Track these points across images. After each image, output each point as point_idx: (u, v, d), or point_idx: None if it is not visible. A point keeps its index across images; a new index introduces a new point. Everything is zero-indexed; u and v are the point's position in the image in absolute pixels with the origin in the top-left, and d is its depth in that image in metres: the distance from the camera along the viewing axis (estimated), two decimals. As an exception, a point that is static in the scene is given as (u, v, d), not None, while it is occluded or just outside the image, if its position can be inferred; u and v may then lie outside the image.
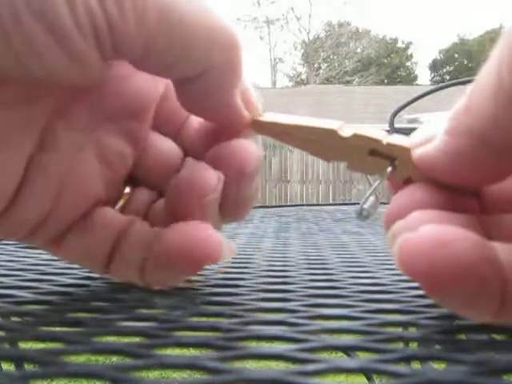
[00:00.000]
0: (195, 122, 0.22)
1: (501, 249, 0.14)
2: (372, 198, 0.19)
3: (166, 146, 0.22)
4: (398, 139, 0.18)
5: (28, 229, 0.19)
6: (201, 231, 0.18)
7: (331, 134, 0.19)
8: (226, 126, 0.20)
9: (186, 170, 0.19)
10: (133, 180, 0.22)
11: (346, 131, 0.19)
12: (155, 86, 0.21)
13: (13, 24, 0.14)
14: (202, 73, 0.17)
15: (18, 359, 0.15)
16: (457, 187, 0.17)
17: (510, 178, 0.17)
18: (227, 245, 0.19)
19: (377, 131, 0.19)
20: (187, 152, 0.22)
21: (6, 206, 0.18)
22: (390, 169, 0.18)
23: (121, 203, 0.21)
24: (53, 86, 0.18)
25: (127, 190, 0.22)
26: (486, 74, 0.14)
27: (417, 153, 0.17)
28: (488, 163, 0.15)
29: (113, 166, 0.20)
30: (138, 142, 0.21)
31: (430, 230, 0.14)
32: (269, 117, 0.20)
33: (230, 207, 0.20)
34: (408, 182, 0.18)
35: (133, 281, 0.20)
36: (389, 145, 0.18)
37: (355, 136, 0.19)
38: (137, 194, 0.22)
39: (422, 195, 0.17)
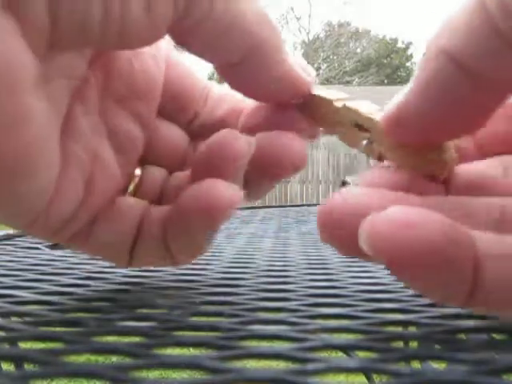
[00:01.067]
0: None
1: (479, 236, 0.13)
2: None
3: (171, 129, 0.21)
4: (379, 113, 0.18)
5: (61, 222, 0.18)
6: (214, 182, 0.18)
7: (328, 103, 0.19)
8: (292, 92, 0.19)
9: (217, 136, 0.18)
10: (141, 162, 0.21)
11: (340, 102, 0.19)
12: (158, 66, 0.20)
13: None
14: (249, 51, 0.17)
15: (18, 359, 0.15)
16: (430, 147, 0.16)
17: (477, 162, 0.17)
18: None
19: (367, 104, 0.19)
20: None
21: (48, 202, 0.17)
22: (365, 142, 0.18)
23: (132, 186, 0.21)
24: (72, 68, 0.17)
25: (137, 171, 0.21)
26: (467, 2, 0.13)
27: (383, 117, 0.16)
28: (463, 91, 0.14)
29: (125, 150, 0.20)
30: (147, 124, 0.20)
31: (395, 211, 0.13)
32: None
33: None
34: (381, 158, 0.18)
35: (159, 264, 0.20)
36: (367, 119, 0.18)
37: (345, 108, 0.19)
38: (147, 174, 0.21)
39: (387, 178, 0.17)
